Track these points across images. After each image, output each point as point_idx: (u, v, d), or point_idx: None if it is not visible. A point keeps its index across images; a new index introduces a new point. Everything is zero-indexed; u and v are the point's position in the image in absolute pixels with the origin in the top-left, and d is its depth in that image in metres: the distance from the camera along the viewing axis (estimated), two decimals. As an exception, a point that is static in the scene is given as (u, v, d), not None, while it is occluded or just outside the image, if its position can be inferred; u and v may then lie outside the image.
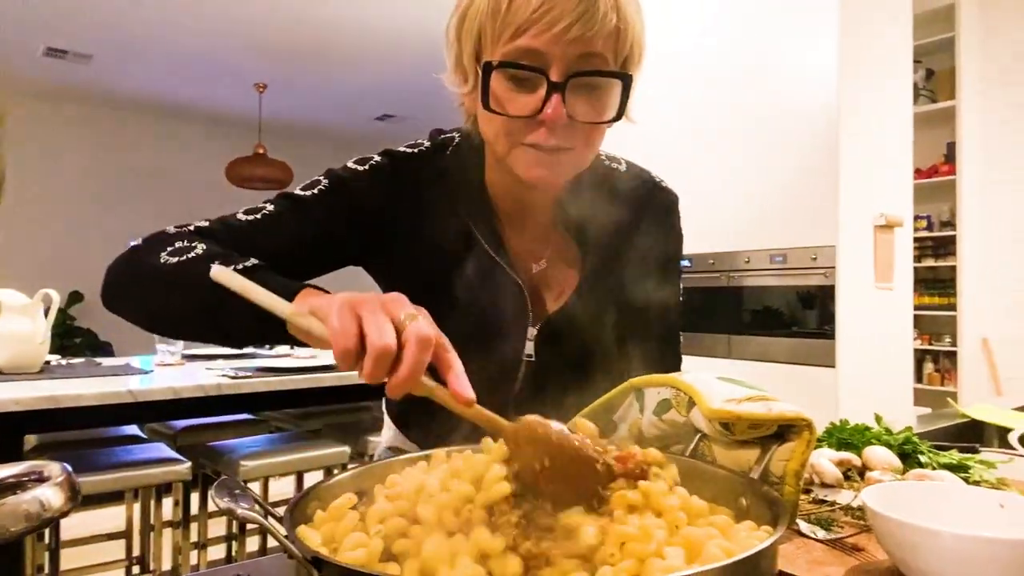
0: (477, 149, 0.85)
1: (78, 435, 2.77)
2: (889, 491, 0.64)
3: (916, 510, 0.58)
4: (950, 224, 4.11)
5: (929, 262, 4.17)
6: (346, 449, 2.71)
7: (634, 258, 0.91)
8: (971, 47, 4.04)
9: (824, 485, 0.82)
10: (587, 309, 0.86)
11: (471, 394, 0.53)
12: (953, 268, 4.04)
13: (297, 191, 0.84)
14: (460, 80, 0.78)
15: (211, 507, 2.51)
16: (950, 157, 4.09)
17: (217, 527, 2.84)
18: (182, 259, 0.72)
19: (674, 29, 3.29)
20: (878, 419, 1.03)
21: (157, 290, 0.74)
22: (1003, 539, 0.53)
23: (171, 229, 0.80)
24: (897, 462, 0.88)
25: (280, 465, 2.57)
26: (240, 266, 0.69)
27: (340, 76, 5.58)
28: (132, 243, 0.80)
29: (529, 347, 0.85)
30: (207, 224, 0.81)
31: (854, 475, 0.86)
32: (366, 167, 0.85)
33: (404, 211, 0.84)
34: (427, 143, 0.88)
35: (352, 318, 0.52)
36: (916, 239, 3.73)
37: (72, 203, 6.38)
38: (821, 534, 0.68)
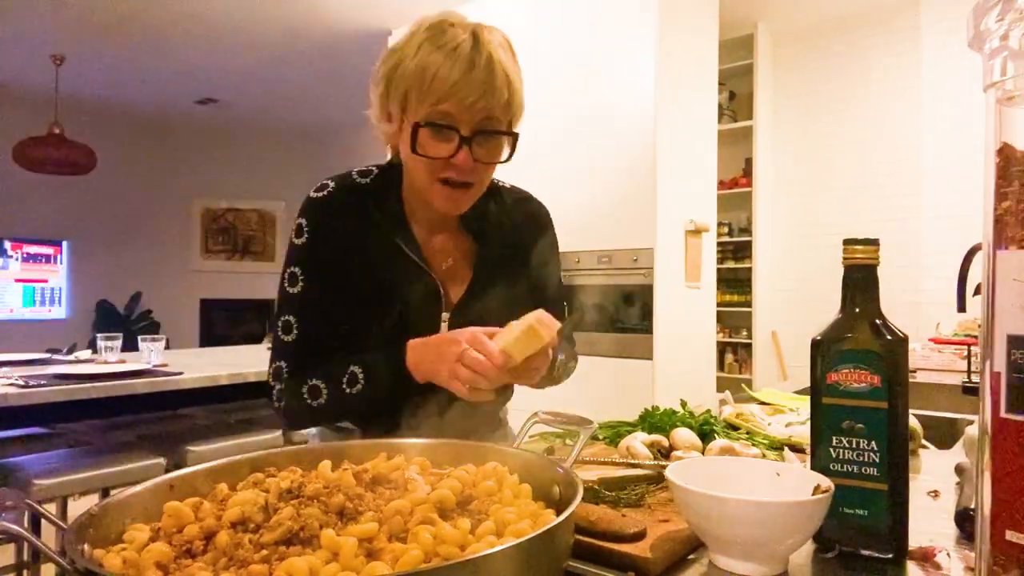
0: (394, 178, 1.08)
1: None
2: (688, 466, 0.73)
3: (710, 482, 0.66)
4: (747, 231, 4.61)
5: (730, 264, 4.65)
6: (161, 461, 2.50)
7: (516, 251, 1.15)
8: (766, 74, 4.57)
9: (635, 464, 0.90)
10: (484, 293, 1.09)
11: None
12: (749, 270, 4.54)
13: (289, 291, 1.04)
14: (385, 120, 1.01)
15: (-6, 534, 2.20)
16: (748, 171, 4.59)
17: (4, 555, 2.50)
18: (320, 400, 1.00)
19: (516, 39, 3.39)
20: (683, 404, 1.15)
21: (327, 417, 1.07)
22: (777, 502, 0.62)
23: (278, 386, 1.04)
24: (698, 441, 0.98)
25: (81, 482, 2.31)
26: (352, 389, 0.98)
27: (154, 53, 5.10)
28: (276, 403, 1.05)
29: (444, 328, 1.06)
30: (285, 365, 1.04)
31: (662, 455, 0.95)
32: (305, 232, 1.04)
33: (344, 239, 1.04)
34: (332, 184, 1.07)
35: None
36: (719, 243, 4.15)
37: None
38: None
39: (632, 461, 0.91)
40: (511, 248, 1.14)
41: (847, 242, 0.71)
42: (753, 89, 4.51)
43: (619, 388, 2.92)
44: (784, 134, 4.61)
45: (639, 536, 0.68)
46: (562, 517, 0.51)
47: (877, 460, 0.68)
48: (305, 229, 1.04)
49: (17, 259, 6.43)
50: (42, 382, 2.15)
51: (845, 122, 4.37)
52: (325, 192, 1.06)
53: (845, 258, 0.71)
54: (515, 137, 1.01)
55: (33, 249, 6.52)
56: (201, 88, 5.98)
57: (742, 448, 0.93)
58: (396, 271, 1.04)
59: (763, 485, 0.70)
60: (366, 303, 1.03)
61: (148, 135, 7.09)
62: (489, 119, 0.96)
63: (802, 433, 1.08)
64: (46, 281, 6.59)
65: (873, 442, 0.68)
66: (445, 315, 1.07)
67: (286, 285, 1.05)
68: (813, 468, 0.71)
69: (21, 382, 2.13)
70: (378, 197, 1.07)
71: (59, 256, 6.65)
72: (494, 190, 1.16)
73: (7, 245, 6.36)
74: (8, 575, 2.49)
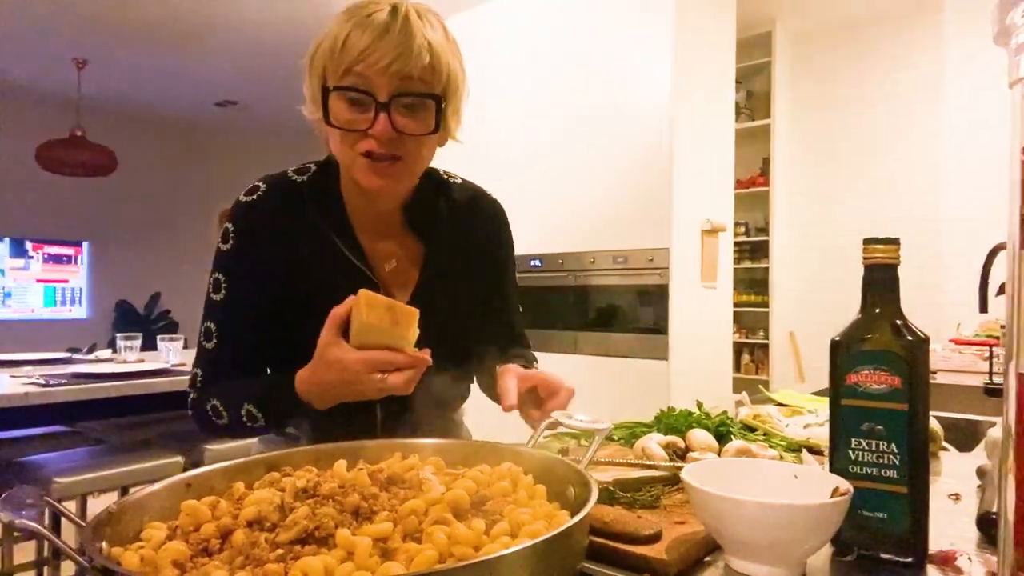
0: (332, 173, 1.01)
1: None
2: (704, 468, 0.72)
3: (726, 484, 0.65)
4: (764, 230, 4.58)
5: (747, 264, 4.62)
6: (179, 459, 2.52)
7: (470, 252, 1.09)
8: (784, 72, 4.53)
9: (651, 466, 0.89)
10: (431, 298, 1.00)
11: None
12: (766, 270, 4.50)
13: (212, 297, 1.00)
14: (314, 109, 0.94)
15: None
16: (765, 170, 4.55)
17: (26, 552, 2.53)
18: (222, 422, 0.97)
19: (529, 38, 3.40)
20: (699, 405, 1.14)
21: (231, 435, 1.00)
22: (795, 504, 0.61)
23: (192, 393, 1.00)
24: (714, 442, 0.98)
25: (100, 480, 2.34)
26: (251, 422, 0.95)
27: (175, 57, 5.16)
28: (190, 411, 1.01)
29: None
30: (200, 373, 1.00)
31: (678, 456, 0.95)
32: (231, 237, 0.99)
33: (277, 243, 0.98)
34: (263, 186, 1.01)
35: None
36: (736, 243, 4.12)
37: None
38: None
39: (647, 462, 0.90)
40: (461, 249, 1.07)
41: (867, 241, 0.70)
42: (771, 88, 4.47)
43: (634, 389, 2.91)
44: (802, 133, 4.57)
45: (654, 538, 0.67)
46: (577, 518, 0.51)
47: (897, 463, 0.67)
48: (231, 234, 0.99)
49: (39, 260, 6.53)
50: (62, 381, 2.18)
51: (864, 120, 4.32)
52: (255, 195, 0.99)
53: (865, 258, 0.70)
54: (439, 102, 0.91)
55: (54, 250, 6.61)
56: (220, 90, 6.03)
57: (759, 450, 0.92)
58: (333, 275, 0.97)
59: (781, 487, 0.70)
60: (302, 310, 0.96)
61: (168, 137, 7.16)
62: (408, 81, 0.88)
63: (820, 435, 1.07)
64: (67, 281, 6.68)
65: (893, 444, 0.67)
66: None
67: (210, 291, 1.00)
68: (832, 470, 0.70)
69: (42, 381, 2.16)
70: (316, 195, 1.00)
71: (80, 257, 6.75)
72: (443, 186, 1.09)
73: (29, 246, 6.46)
74: (29, 571, 2.53)
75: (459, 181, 1.13)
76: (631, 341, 2.99)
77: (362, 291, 0.81)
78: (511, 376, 0.90)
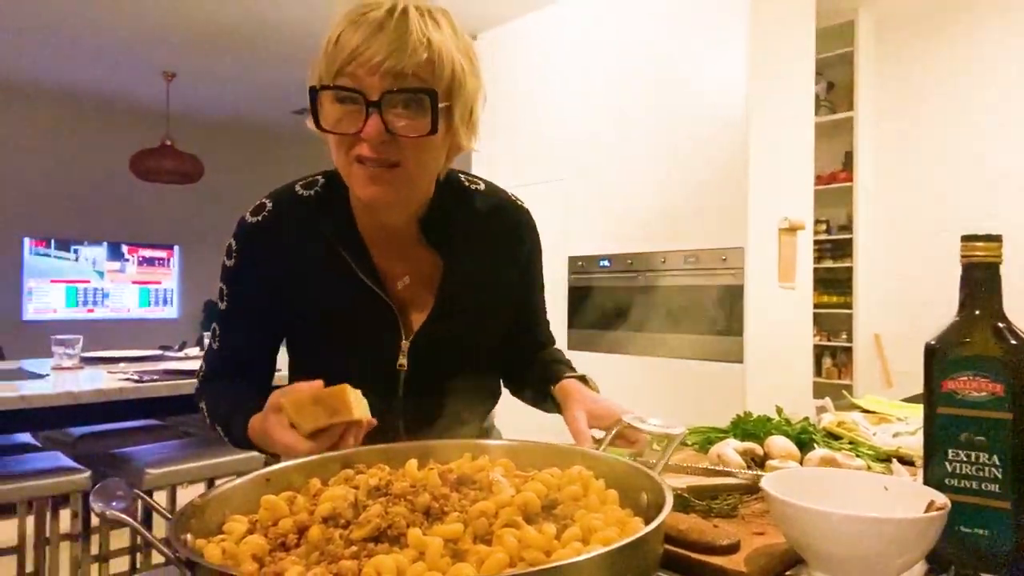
0: (341, 186, 0.92)
1: (-38, 445, 2.56)
2: (786, 477, 0.69)
3: (810, 494, 0.62)
4: (847, 228, 4.38)
5: (828, 263, 4.43)
6: (260, 453, 2.62)
7: (492, 267, 1.01)
8: (868, 62, 4.32)
9: (727, 473, 0.86)
10: (450, 318, 0.95)
11: None
12: (849, 269, 4.30)
13: (218, 303, 1.00)
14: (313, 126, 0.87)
15: (113, 517, 2.37)
16: (848, 165, 4.36)
17: (120, 538, 2.69)
18: (209, 421, 1.00)
19: (597, 37, 3.37)
20: (779, 411, 1.09)
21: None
22: (887, 518, 0.58)
23: (196, 385, 1.04)
24: (795, 450, 0.93)
25: (188, 472, 2.46)
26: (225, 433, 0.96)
27: (257, 66, 5.38)
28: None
29: (403, 359, 0.95)
30: (204, 368, 1.03)
31: (756, 463, 0.91)
32: (233, 255, 0.97)
33: (285, 263, 0.94)
34: (270, 204, 0.96)
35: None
36: (816, 242, 3.96)
37: (-45, 195, 5.90)
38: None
39: (724, 469, 0.87)
40: (483, 263, 0.99)
41: (966, 238, 0.65)
42: (853, 78, 4.27)
43: (707, 392, 2.84)
44: (888, 125, 4.35)
45: (732, 548, 0.65)
46: (653, 525, 0.50)
47: (999, 476, 0.62)
48: (234, 252, 0.96)
49: (133, 263, 6.94)
50: (154, 377, 2.30)
51: (958, 111, 4.06)
52: (260, 216, 0.95)
53: (964, 256, 0.65)
54: (434, 98, 0.81)
55: (148, 253, 7.01)
56: (297, 99, 6.25)
57: (845, 459, 0.88)
58: (344, 293, 0.92)
59: (869, 500, 0.66)
60: (313, 328, 0.95)
61: (250, 144, 7.49)
62: (402, 78, 0.79)
63: (912, 444, 1.01)
64: (159, 283, 7.08)
65: (995, 456, 0.62)
66: (405, 343, 0.95)
67: (217, 296, 1.00)
68: (926, 483, 0.66)
69: (136, 377, 2.29)
70: (324, 209, 0.95)
71: (171, 259, 7.13)
72: (462, 194, 1.00)
73: (124, 249, 6.87)
74: (123, 556, 2.68)
75: (481, 188, 1.03)
76: (704, 343, 2.91)
77: (284, 400, 0.77)
78: (579, 411, 0.88)
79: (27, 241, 6.26)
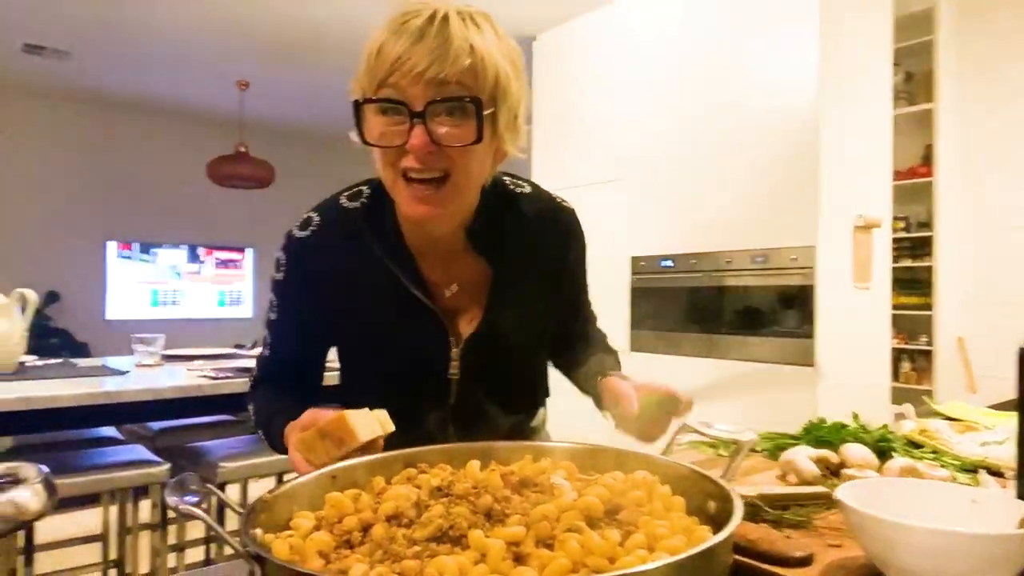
0: (386, 195, 0.92)
1: (54, 437, 2.72)
2: (864, 487, 0.65)
3: (891, 506, 0.59)
4: (927, 225, 4.16)
5: (907, 262, 4.22)
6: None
7: (539, 271, 1.00)
8: (948, 50, 4.10)
9: (803, 482, 0.83)
10: (499, 325, 0.95)
11: None
12: (930, 268, 4.09)
13: (270, 314, 1.02)
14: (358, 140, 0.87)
15: (190, 509, 2.47)
16: (928, 159, 4.14)
17: (196, 529, 2.81)
18: (254, 422, 1.03)
19: (660, 32, 3.31)
20: (855, 417, 1.04)
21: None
22: (975, 534, 0.54)
23: (249, 389, 1.08)
24: (873, 459, 0.89)
25: (260, 467, 2.54)
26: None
27: (325, 74, 5.53)
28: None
29: (455, 367, 0.95)
30: (256, 372, 1.07)
31: (831, 472, 0.87)
32: (282, 269, 0.98)
33: (332, 276, 0.95)
34: (316, 218, 0.97)
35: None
36: (894, 240, 3.78)
37: (50, 202, 6.28)
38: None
39: (795, 478, 0.84)
40: (531, 267, 0.98)
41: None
42: (933, 68, 4.06)
43: (776, 396, 2.75)
44: (971, 117, 4.11)
45: (805, 561, 0.62)
46: (723, 534, 0.48)
47: (1106, 492, 0.57)
48: (282, 266, 0.98)
49: (210, 264, 7.25)
50: (229, 374, 2.38)
51: (1050, 99, 3.81)
52: (308, 231, 0.96)
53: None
54: (479, 105, 0.80)
55: (223, 255, 7.31)
56: (362, 103, 6.41)
57: (928, 469, 0.83)
58: (392, 304, 0.93)
59: (955, 513, 0.62)
60: (362, 338, 0.96)
61: (318, 149, 7.71)
62: (445, 87, 0.78)
63: (1001, 455, 0.95)
64: (233, 284, 7.37)
65: (1100, 471, 0.57)
66: (455, 351, 0.95)
67: (268, 305, 1.03)
68: (1019, 496, 0.62)
69: (212, 374, 2.38)
70: (370, 221, 0.95)
71: (243, 261, 7.42)
72: (508, 198, 0.98)
73: (201, 252, 7.18)
74: (199, 546, 2.80)
75: (527, 190, 1.02)
76: (772, 345, 2.82)
77: (295, 439, 0.77)
78: (626, 383, 0.86)
79: (112, 245, 6.61)
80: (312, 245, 0.95)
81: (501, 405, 0.94)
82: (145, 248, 6.82)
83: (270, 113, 6.64)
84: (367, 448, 0.74)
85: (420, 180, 0.82)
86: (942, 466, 0.89)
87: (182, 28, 4.61)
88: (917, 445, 1.03)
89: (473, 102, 0.80)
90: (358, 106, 0.82)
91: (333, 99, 6.23)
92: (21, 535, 2.19)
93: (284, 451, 0.88)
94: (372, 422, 0.75)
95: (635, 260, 3.33)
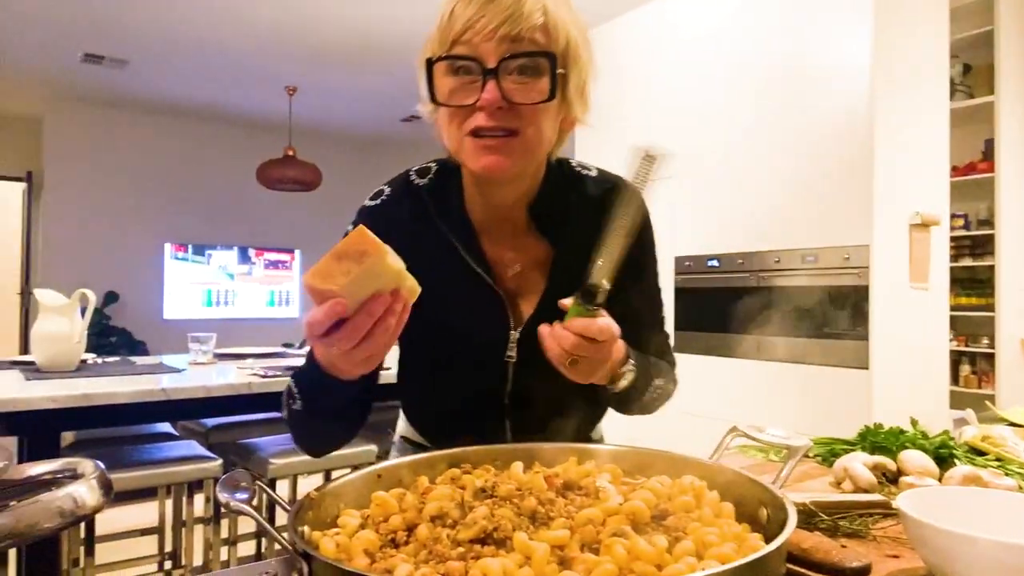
0: (453, 173, 0.94)
1: (113, 432, 2.83)
2: (925, 496, 0.63)
3: (952, 516, 0.56)
4: (988, 223, 4.00)
5: (966, 261, 4.06)
6: (373, 448, 2.73)
7: None
8: (1010, 41, 3.93)
9: (858, 489, 0.80)
10: (559, 307, 0.91)
11: None
12: (991, 268, 3.93)
13: None
14: (424, 100, 0.86)
15: (241, 504, 2.53)
16: (988, 154, 3.98)
17: (247, 523, 2.88)
18: (292, 409, 0.87)
19: (707, 26, 3.26)
20: (913, 423, 1.01)
21: (301, 427, 0.90)
22: (1046, 547, 0.51)
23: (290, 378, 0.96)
24: (933, 466, 0.85)
25: (308, 463, 2.59)
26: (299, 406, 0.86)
27: (368, 78, 5.62)
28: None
29: (512, 350, 0.93)
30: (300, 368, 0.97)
31: (888, 480, 0.84)
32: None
33: (398, 247, 0.87)
34: (387, 190, 0.97)
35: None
36: (953, 238, 3.64)
37: (108, 205, 6.53)
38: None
39: (851, 485, 0.81)
40: (594, 248, 0.94)
41: None
42: (994, 60, 3.90)
43: (829, 400, 2.67)
44: (1036, 109, 3.93)
45: (863, 572, 0.60)
46: (776, 543, 0.46)
47: None
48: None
49: (260, 265, 7.43)
50: (277, 373, 2.44)
51: (1123, 89, 3.61)
52: (379, 200, 0.96)
53: None
54: (553, 61, 0.80)
55: (272, 256, 7.49)
56: (405, 108, 6.47)
57: (992, 477, 0.79)
58: (453, 280, 0.92)
59: (1022, 524, 0.59)
60: (422, 316, 0.88)
61: (363, 152, 7.83)
62: (518, 43, 0.78)
63: (1073, 464, 0.90)
64: (282, 284, 7.54)
65: None
66: (514, 333, 0.93)
67: None
68: (1095, 510, 0.58)
69: (261, 372, 2.44)
70: (437, 197, 0.95)
71: (292, 262, 7.58)
72: (573, 179, 0.98)
73: (252, 253, 7.37)
74: (250, 541, 2.87)
75: (594, 174, 1.01)
76: (824, 347, 2.75)
77: (308, 275, 0.66)
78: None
79: (168, 246, 6.84)
80: (380, 214, 0.95)
81: (557, 394, 0.90)
82: (199, 250, 7.03)
83: (317, 117, 6.77)
84: (394, 297, 0.68)
85: (490, 135, 0.81)
86: (1007, 475, 0.85)
87: (233, 37, 4.74)
88: (980, 452, 0.99)
89: (547, 57, 0.80)
90: (430, 65, 0.82)
91: (378, 102, 6.32)
92: (82, 527, 2.28)
93: (320, 384, 0.78)
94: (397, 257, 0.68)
95: (679, 260, 3.28)
